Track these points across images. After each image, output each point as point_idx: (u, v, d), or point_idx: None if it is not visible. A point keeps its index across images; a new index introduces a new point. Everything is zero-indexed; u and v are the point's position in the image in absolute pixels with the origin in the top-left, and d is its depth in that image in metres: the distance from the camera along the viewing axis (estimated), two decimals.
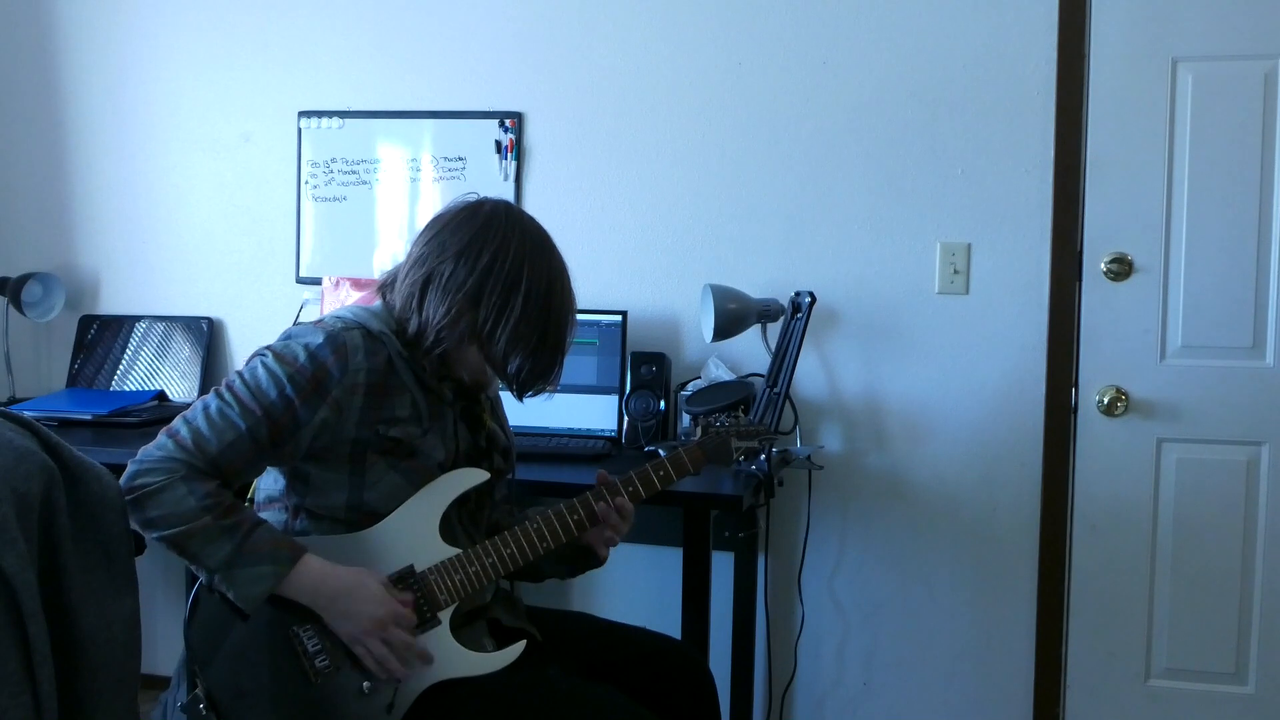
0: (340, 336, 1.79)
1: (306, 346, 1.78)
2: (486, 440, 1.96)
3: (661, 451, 2.09)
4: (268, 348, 1.81)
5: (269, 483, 1.88)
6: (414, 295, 1.83)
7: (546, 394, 1.93)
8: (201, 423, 1.74)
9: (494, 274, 1.80)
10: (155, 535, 1.70)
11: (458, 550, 1.85)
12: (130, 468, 1.71)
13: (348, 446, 1.80)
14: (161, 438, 1.74)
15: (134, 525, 1.72)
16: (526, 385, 1.88)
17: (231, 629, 1.75)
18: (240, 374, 1.79)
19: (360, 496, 1.82)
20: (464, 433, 1.92)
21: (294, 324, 1.94)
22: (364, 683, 1.77)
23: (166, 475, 1.69)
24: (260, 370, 1.77)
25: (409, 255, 1.88)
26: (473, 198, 1.90)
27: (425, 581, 1.82)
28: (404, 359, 1.83)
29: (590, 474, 2.01)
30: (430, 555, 1.84)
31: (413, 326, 1.83)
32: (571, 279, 1.90)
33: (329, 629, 1.76)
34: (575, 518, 1.93)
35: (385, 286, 1.91)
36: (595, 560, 2.03)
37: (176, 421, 1.77)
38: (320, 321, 1.87)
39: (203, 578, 1.74)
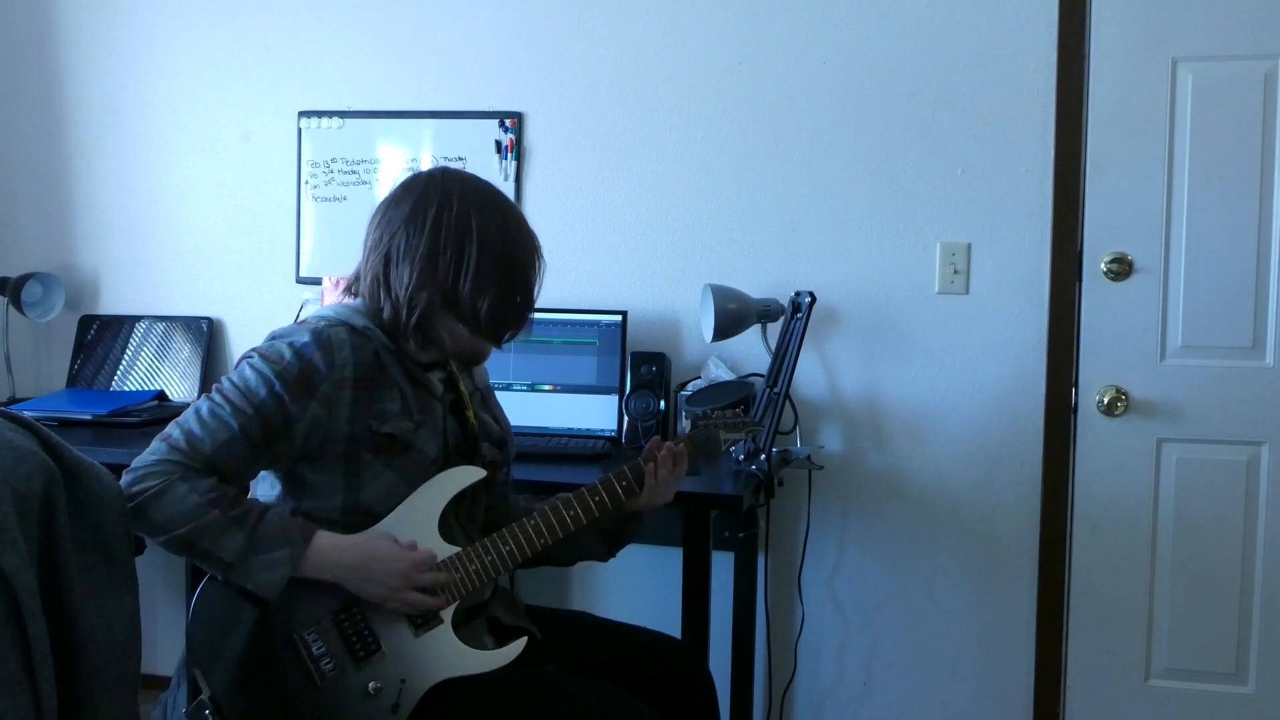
0: (325, 333, 1.80)
1: (291, 345, 1.79)
2: (476, 432, 1.97)
3: None
4: (254, 350, 1.82)
5: (265, 489, 1.89)
6: (378, 277, 1.85)
7: (522, 338, 1.93)
8: (194, 425, 1.75)
9: (444, 227, 1.82)
10: (163, 539, 1.70)
11: (457, 548, 1.86)
12: (125, 477, 1.71)
13: (341, 445, 1.80)
14: (154, 443, 1.75)
15: (140, 533, 1.71)
16: (499, 329, 1.87)
17: (235, 633, 1.76)
18: (229, 377, 1.81)
19: (356, 497, 1.83)
20: (454, 426, 1.93)
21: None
22: (370, 684, 1.78)
23: (164, 478, 1.70)
24: (248, 371, 1.78)
25: (365, 245, 1.90)
26: (409, 173, 1.93)
27: None
28: (390, 351, 1.84)
29: (590, 474, 2.01)
30: None
31: (386, 311, 1.84)
32: (529, 221, 1.91)
33: (362, 603, 1.78)
34: (571, 513, 1.93)
35: (352, 284, 1.92)
36: (635, 528, 2.07)
37: (168, 427, 1.78)
38: (304, 322, 1.88)
39: (217, 574, 1.74)
